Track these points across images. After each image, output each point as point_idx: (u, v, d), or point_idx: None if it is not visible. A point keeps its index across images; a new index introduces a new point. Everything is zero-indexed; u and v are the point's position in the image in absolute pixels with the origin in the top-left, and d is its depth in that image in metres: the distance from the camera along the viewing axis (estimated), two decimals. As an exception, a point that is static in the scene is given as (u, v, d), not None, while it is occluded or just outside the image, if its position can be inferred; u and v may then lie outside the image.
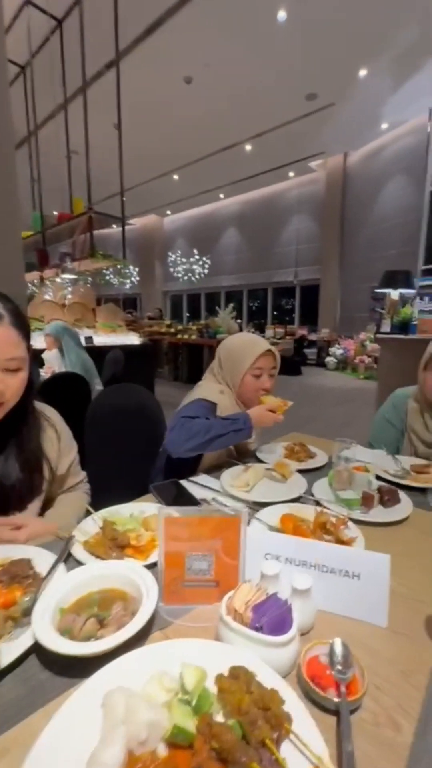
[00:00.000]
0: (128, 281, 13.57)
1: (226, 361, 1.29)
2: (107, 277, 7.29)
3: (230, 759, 0.37)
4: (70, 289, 6.14)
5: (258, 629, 0.50)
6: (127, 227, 5.61)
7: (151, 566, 0.68)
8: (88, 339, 4.76)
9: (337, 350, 9.37)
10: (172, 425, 1.12)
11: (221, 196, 12.96)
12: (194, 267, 12.82)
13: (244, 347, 1.27)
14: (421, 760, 0.40)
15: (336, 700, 0.44)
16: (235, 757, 0.37)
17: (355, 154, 10.11)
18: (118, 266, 5.78)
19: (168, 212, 14.77)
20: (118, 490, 1.04)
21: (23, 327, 0.80)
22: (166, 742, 0.40)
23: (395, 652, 0.54)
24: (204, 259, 12.60)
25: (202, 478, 1.11)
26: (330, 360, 9.50)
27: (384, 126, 8.72)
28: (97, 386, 3.15)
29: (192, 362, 7.46)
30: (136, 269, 14.33)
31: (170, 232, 15.29)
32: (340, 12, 5.23)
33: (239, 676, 0.45)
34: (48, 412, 0.99)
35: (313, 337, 10.51)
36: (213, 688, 0.45)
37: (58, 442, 0.97)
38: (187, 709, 0.42)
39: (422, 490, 1.03)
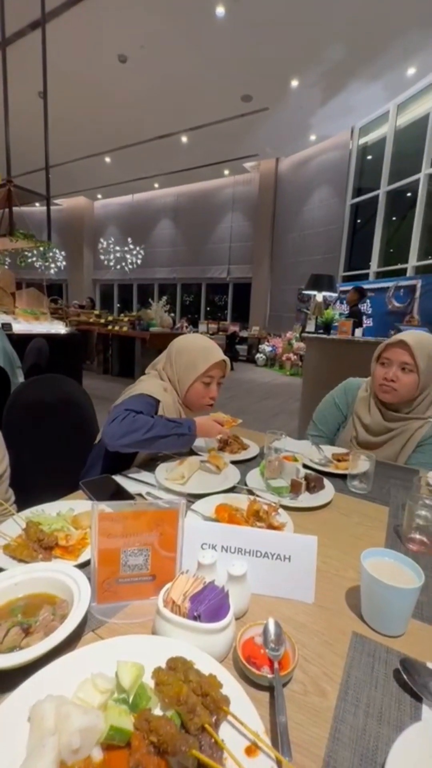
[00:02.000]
0: (53, 266, 12.61)
1: (178, 362, 1.24)
2: (29, 260, 6.69)
3: (170, 750, 0.37)
4: (-17, 269, 5.51)
5: (196, 618, 0.51)
6: (52, 207, 5.19)
7: (83, 565, 0.64)
8: (6, 326, 4.32)
9: (266, 347, 9.81)
10: (112, 417, 1.05)
11: (156, 185, 12.68)
12: (127, 256, 12.36)
13: (200, 352, 1.23)
14: (345, 719, 0.44)
15: (270, 676, 0.47)
16: (175, 748, 0.36)
17: (287, 161, 10.61)
18: (41, 249, 5.33)
19: (99, 196, 14.04)
20: (44, 489, 0.97)
21: None
22: (102, 746, 0.38)
23: (321, 625, 0.58)
24: (138, 248, 12.21)
25: (136, 472, 1.08)
26: (260, 357, 9.91)
27: (312, 137, 9.27)
28: (20, 378, 2.88)
29: (123, 355, 7.21)
30: (63, 254, 13.36)
31: (101, 217, 14.56)
32: (276, 18, 5.41)
33: (177, 667, 0.45)
34: None
35: (244, 334, 10.85)
36: (151, 683, 0.44)
37: None
38: (124, 708, 0.41)
39: (342, 477, 1.13)
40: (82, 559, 0.67)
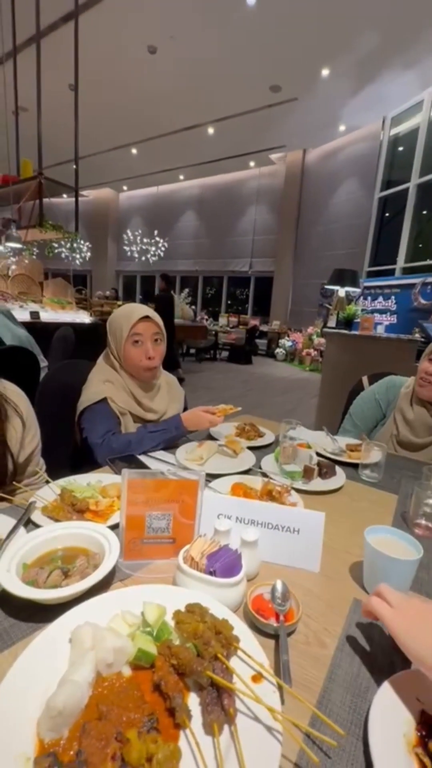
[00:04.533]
0: (78, 257, 12.87)
1: (110, 336, 1.26)
2: (56, 250, 6.88)
3: (188, 671, 0.43)
4: (13, 259, 5.72)
5: (212, 573, 0.57)
6: (79, 198, 5.32)
7: (112, 528, 0.72)
8: (34, 314, 4.50)
9: (286, 342, 9.75)
10: (94, 447, 1.12)
11: (181, 177, 12.68)
12: (151, 248, 12.47)
13: (123, 317, 1.23)
14: (340, 665, 0.50)
15: (275, 625, 0.53)
16: (192, 668, 0.43)
17: (314, 153, 10.41)
18: (69, 239, 5.48)
19: (124, 188, 14.16)
20: (72, 468, 1.05)
21: None
22: (131, 665, 0.46)
23: (325, 590, 0.64)
24: (162, 241, 12.29)
25: (158, 452, 1.16)
26: (279, 351, 9.87)
27: (342, 128, 9.05)
28: (42, 363, 3.00)
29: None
30: (88, 244, 13.61)
31: (126, 209, 14.70)
32: (307, 6, 5.30)
33: (195, 610, 0.51)
34: (10, 392, 0.94)
35: (264, 328, 10.81)
36: (171, 623, 0.51)
37: (23, 430, 0.94)
38: (149, 638, 0.48)
39: (354, 466, 1.17)
40: (110, 522, 0.74)
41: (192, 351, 9.16)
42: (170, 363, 5.68)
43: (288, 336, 10.00)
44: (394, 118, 8.40)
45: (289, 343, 9.68)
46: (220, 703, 0.41)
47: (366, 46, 6.04)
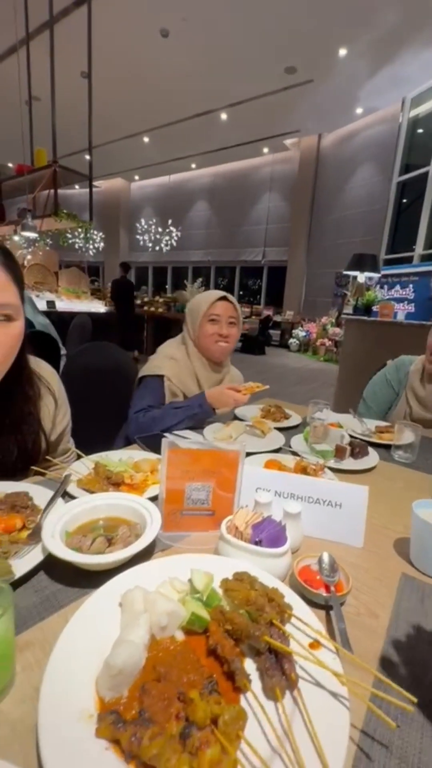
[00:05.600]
0: (92, 247, 12.91)
1: (189, 315, 1.34)
2: (70, 240, 6.89)
3: (243, 635, 0.42)
4: (29, 249, 5.75)
5: (257, 543, 0.56)
6: (92, 189, 5.29)
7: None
8: (50, 303, 4.53)
9: (300, 332, 9.64)
10: (130, 421, 1.19)
11: (193, 165, 12.53)
12: (165, 237, 12.41)
13: (203, 297, 1.33)
14: (395, 636, 0.48)
15: (326, 595, 0.51)
16: (249, 633, 0.42)
17: (329, 137, 10.14)
18: (84, 229, 5.47)
19: (136, 177, 14.08)
20: (97, 448, 1.05)
21: (13, 268, 0.72)
22: (183, 630, 0.44)
23: (371, 564, 0.62)
24: (175, 230, 12.22)
25: (185, 432, 1.14)
26: (293, 341, 9.77)
27: (359, 111, 8.79)
28: (61, 351, 3.03)
29: (158, 335, 7.33)
30: (101, 235, 13.62)
31: (137, 199, 14.63)
32: (325, -18, 5.11)
33: (243, 578, 0.50)
34: (43, 370, 0.94)
35: (277, 318, 10.70)
36: (220, 592, 0.50)
37: (55, 408, 0.94)
38: (200, 603, 0.46)
39: (385, 447, 1.14)
40: (147, 495, 0.73)
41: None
42: (131, 344, 6.34)
43: (302, 326, 9.87)
44: (414, 99, 8.10)
45: (303, 334, 9.56)
46: (280, 667, 0.40)
47: (385, 24, 5.81)
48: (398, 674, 0.43)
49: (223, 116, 8.99)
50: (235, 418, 1.30)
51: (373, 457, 1.02)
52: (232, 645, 0.42)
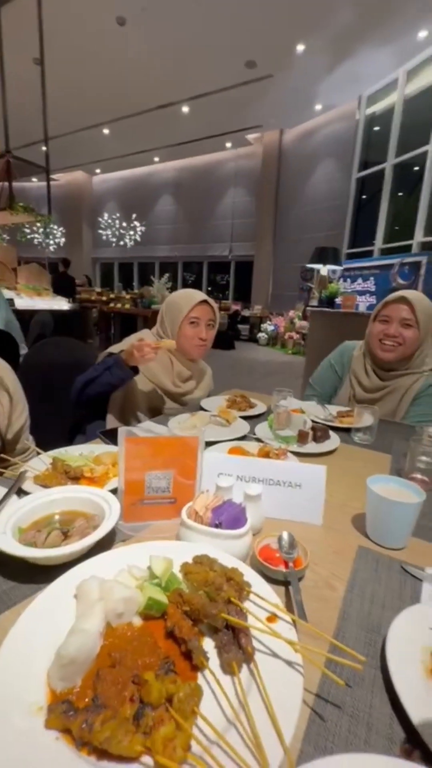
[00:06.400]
0: (52, 242, 12.45)
1: (167, 314, 1.36)
2: (29, 236, 6.60)
3: (202, 615, 0.42)
4: (-17, 245, 5.46)
5: (217, 526, 0.56)
6: (50, 182, 5.09)
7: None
8: (9, 301, 4.32)
9: (268, 326, 9.76)
10: None
11: (156, 159, 12.33)
12: (130, 233, 12.16)
13: (182, 297, 1.34)
14: (352, 605, 0.50)
15: (285, 571, 0.52)
16: (206, 612, 0.42)
17: (290, 133, 10.28)
18: (43, 224, 5.26)
19: (97, 170, 13.67)
20: (59, 445, 1.01)
21: None
22: (142, 615, 0.44)
23: (329, 540, 0.64)
24: (139, 225, 12.00)
25: (148, 424, 1.13)
26: (261, 336, 9.88)
27: (318, 107, 8.95)
28: (22, 351, 2.91)
29: (125, 333, 7.20)
30: (62, 230, 13.15)
31: (100, 193, 14.22)
32: (281, -23, 5.15)
33: (203, 561, 0.50)
34: None
35: (246, 313, 10.78)
36: (180, 576, 0.49)
37: (10, 405, 0.90)
38: (158, 588, 0.46)
39: (346, 431, 1.18)
40: (107, 488, 0.72)
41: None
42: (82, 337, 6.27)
43: (270, 320, 10.00)
44: (370, 97, 8.35)
45: (271, 328, 9.69)
46: (237, 642, 0.40)
47: (341, 21, 5.94)
48: (352, 638, 0.45)
49: (185, 109, 8.89)
50: (201, 409, 1.30)
51: (334, 440, 1.05)
52: (189, 625, 0.42)
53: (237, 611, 0.43)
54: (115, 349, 1.28)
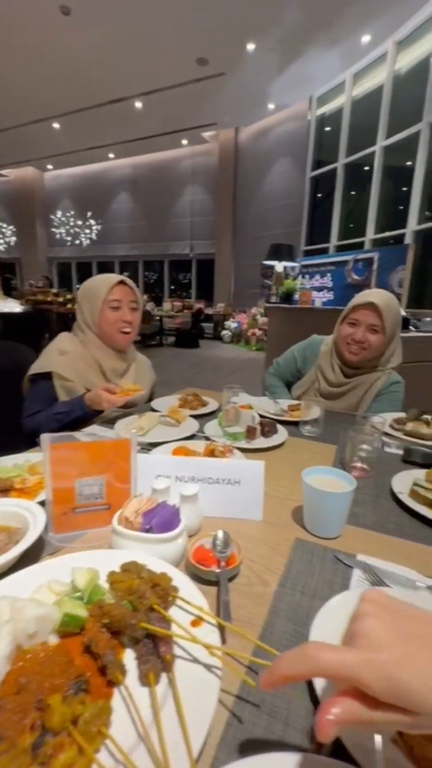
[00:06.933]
0: (2, 241, 11.85)
1: (84, 302, 1.25)
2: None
3: (121, 626, 0.40)
4: None
5: (148, 530, 0.54)
6: (-3, 175, 4.82)
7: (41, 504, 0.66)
8: None
9: (231, 324, 9.83)
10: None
11: (111, 155, 12.03)
12: (85, 231, 11.79)
13: (98, 281, 1.26)
14: (282, 599, 0.50)
15: (217, 571, 0.51)
16: (125, 622, 0.40)
17: (246, 131, 10.37)
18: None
19: (49, 166, 13.14)
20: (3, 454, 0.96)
21: None
22: (58, 633, 0.41)
23: (268, 535, 0.64)
24: (94, 222, 11.66)
25: (94, 428, 1.09)
26: (225, 333, 9.93)
27: (271, 106, 9.08)
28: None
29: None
30: (12, 228, 12.53)
31: (53, 190, 13.68)
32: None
33: (130, 568, 0.48)
34: None
35: (209, 311, 10.79)
36: (106, 586, 0.47)
37: None
38: (79, 602, 0.44)
39: (297, 423, 1.20)
40: (38, 499, 0.68)
41: (137, 338, 8.91)
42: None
43: (233, 317, 10.07)
44: (320, 98, 8.59)
45: (235, 325, 9.76)
46: (156, 652, 0.39)
47: (289, 22, 6.05)
48: (279, 632, 0.45)
49: (138, 105, 8.73)
50: (151, 409, 1.27)
51: (282, 434, 1.07)
52: (107, 638, 0.40)
53: (160, 619, 0.41)
54: (38, 369, 1.17)
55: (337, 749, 0.32)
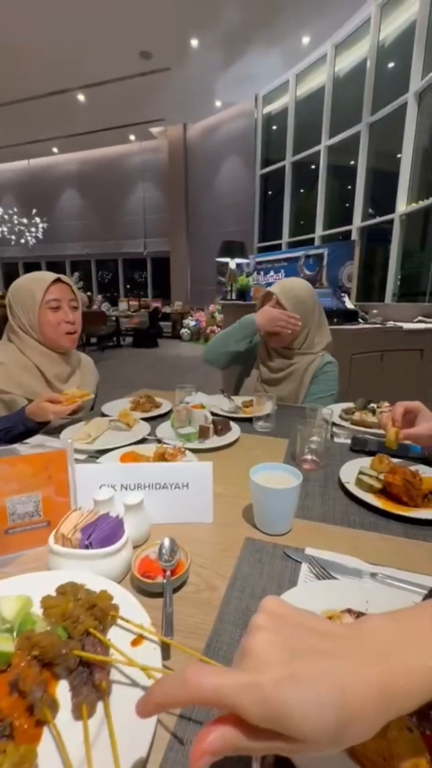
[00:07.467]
0: None
1: (17, 304, 1.16)
2: None
3: (52, 656, 0.37)
4: None
5: (87, 546, 0.51)
6: None
7: (-32, 526, 0.60)
8: None
9: (190, 322, 9.79)
10: None
11: (55, 150, 11.51)
12: (31, 229, 11.19)
13: (31, 281, 1.17)
14: (230, 603, 0.49)
15: (162, 582, 0.49)
16: (56, 652, 0.37)
17: (195, 128, 10.32)
18: None
19: (-14, 160, 12.32)
20: None
21: None
22: (-19, 673, 0.37)
23: (218, 538, 0.63)
24: (39, 220, 11.11)
25: (40, 438, 1.03)
26: (185, 331, 9.88)
27: (218, 104, 9.10)
28: None
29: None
30: None
31: (-7, 185, 12.86)
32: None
33: (66, 590, 0.45)
34: None
35: (167, 309, 10.66)
36: (40, 612, 0.44)
37: None
38: (6, 635, 0.40)
39: (250, 420, 1.20)
40: (-32, 521, 0.62)
41: (93, 340, 8.63)
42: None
43: (191, 316, 10.03)
44: (266, 97, 8.73)
45: (193, 323, 9.73)
46: (91, 680, 0.36)
47: (230, 19, 6.07)
48: (227, 639, 0.44)
49: (81, 97, 8.41)
50: (101, 414, 1.22)
51: (235, 432, 1.06)
52: (36, 673, 0.36)
53: (96, 643, 0.39)
54: None
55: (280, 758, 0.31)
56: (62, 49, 6.71)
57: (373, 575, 0.52)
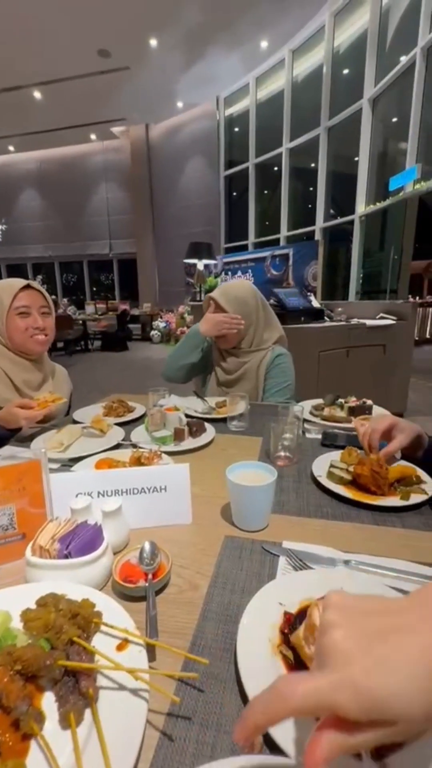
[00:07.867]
0: None
1: None
2: None
3: (36, 669, 0.37)
4: None
5: (66, 556, 0.50)
6: None
7: None
8: None
9: (160, 324, 9.71)
10: None
11: (11, 148, 11.07)
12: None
13: (1, 290, 1.16)
14: (213, 600, 0.50)
15: (144, 585, 0.49)
16: (40, 664, 0.36)
17: (157, 128, 10.25)
18: None
19: None
20: None
21: None
22: (-40, 694, 0.36)
23: (198, 538, 0.64)
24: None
25: (9, 449, 0.99)
26: (155, 333, 9.78)
27: (179, 104, 9.10)
28: None
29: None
30: None
31: None
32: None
33: (47, 602, 0.44)
34: None
35: (135, 312, 10.52)
36: (20, 626, 0.43)
37: None
38: (-15, 653, 0.39)
39: (225, 420, 1.21)
40: None
41: (60, 345, 8.37)
42: None
43: (161, 317, 9.95)
44: (227, 99, 8.82)
45: (163, 324, 9.66)
46: (77, 689, 0.36)
47: (189, 20, 6.09)
48: (211, 636, 0.45)
49: (37, 95, 8.14)
50: (73, 421, 1.20)
51: (210, 433, 1.07)
52: (20, 687, 0.36)
53: (81, 651, 0.39)
54: None
55: (267, 741, 0.32)
56: (14, 43, 6.47)
57: (347, 562, 0.55)
